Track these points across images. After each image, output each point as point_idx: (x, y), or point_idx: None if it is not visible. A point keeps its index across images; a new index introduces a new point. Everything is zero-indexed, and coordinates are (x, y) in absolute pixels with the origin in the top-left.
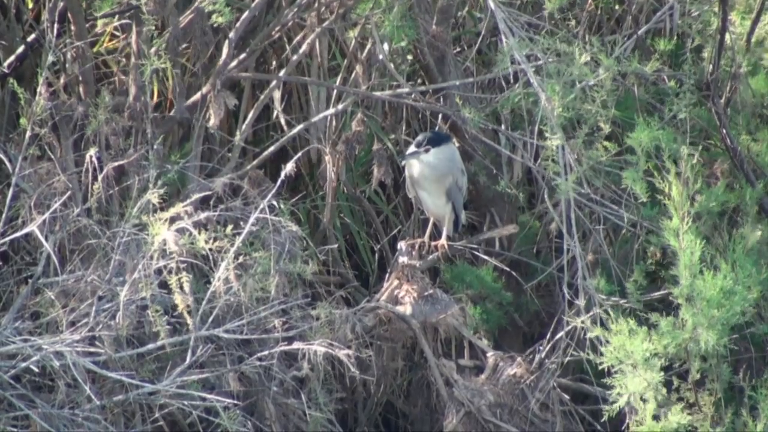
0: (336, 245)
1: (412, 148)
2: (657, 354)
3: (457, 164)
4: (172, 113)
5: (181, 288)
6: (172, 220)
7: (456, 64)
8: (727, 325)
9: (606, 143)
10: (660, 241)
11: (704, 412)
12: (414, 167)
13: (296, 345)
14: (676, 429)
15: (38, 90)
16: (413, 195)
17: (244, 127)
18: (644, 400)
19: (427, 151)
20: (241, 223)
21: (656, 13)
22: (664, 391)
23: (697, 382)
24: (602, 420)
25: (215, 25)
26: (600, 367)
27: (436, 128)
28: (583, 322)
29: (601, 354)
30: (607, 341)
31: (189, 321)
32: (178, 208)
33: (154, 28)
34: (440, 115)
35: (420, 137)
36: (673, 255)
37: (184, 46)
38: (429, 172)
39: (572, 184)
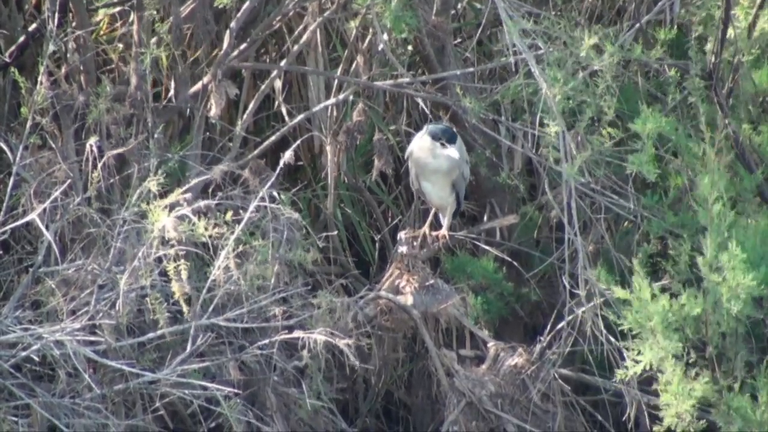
0: (335, 232)
1: (431, 140)
2: (676, 326)
3: (464, 156)
4: (173, 102)
5: (179, 276)
6: (172, 207)
7: (456, 54)
8: (751, 294)
9: (609, 129)
10: (661, 229)
11: (718, 387)
12: (439, 160)
13: (296, 334)
14: (702, 394)
15: (39, 79)
16: (416, 187)
17: (245, 116)
18: (661, 371)
19: (444, 145)
20: (241, 212)
21: (657, 4)
22: (685, 358)
23: (716, 356)
24: (602, 409)
25: (220, 6)
26: (621, 328)
27: (429, 119)
28: (584, 312)
29: (623, 317)
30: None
31: (185, 309)
32: (177, 194)
33: (155, 12)
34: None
35: (435, 130)
36: (673, 247)
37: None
38: (447, 165)
39: (575, 171)
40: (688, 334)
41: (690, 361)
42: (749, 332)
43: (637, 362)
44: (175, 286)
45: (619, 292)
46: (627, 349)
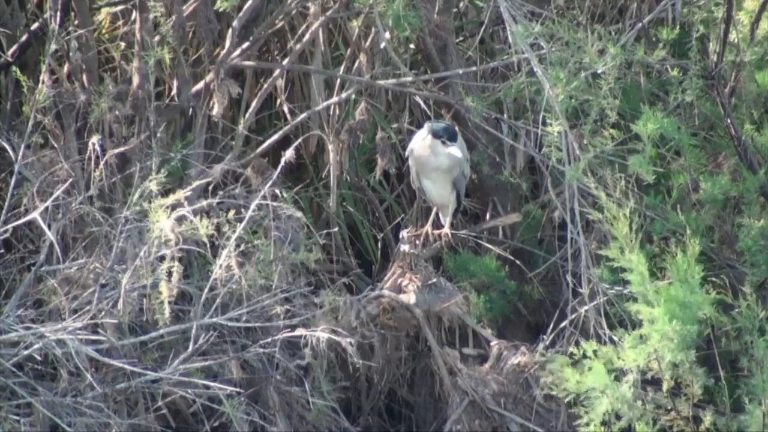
0: (336, 229)
1: (432, 138)
2: (628, 369)
3: (465, 154)
4: (175, 101)
5: (169, 276)
6: (173, 207)
7: (459, 53)
8: (685, 336)
9: (611, 131)
10: (663, 229)
11: (683, 416)
12: (440, 158)
13: (299, 332)
14: None
15: (41, 78)
16: (417, 185)
17: (247, 115)
18: (619, 417)
19: (445, 143)
20: (243, 210)
21: (659, 3)
22: (639, 404)
23: (672, 389)
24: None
25: (221, 10)
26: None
27: (431, 119)
28: (586, 311)
29: (575, 403)
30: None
31: (167, 311)
32: (178, 194)
33: (159, 14)
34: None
35: (437, 128)
36: (675, 246)
37: (187, 34)
38: (447, 163)
39: (578, 173)
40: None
41: (650, 398)
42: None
43: (590, 421)
44: (163, 287)
45: (561, 360)
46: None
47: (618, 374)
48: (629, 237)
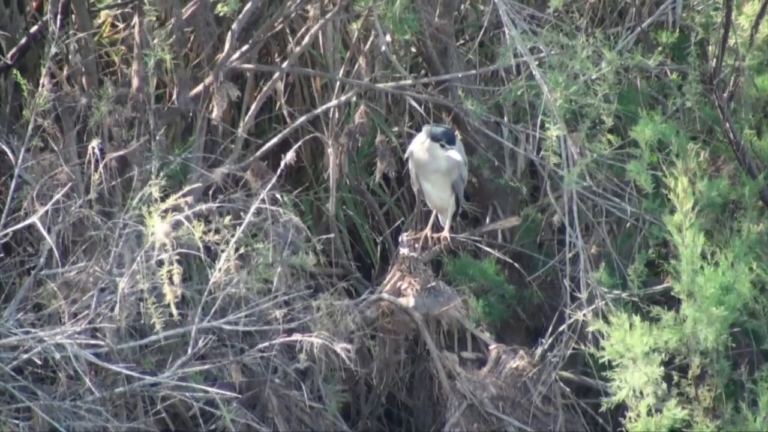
0: (336, 234)
1: (430, 142)
2: (657, 349)
3: (463, 157)
4: (175, 104)
5: (171, 280)
6: (172, 211)
7: (459, 56)
8: (725, 322)
9: (609, 136)
10: (661, 234)
11: (703, 406)
12: (439, 161)
13: (295, 337)
14: (673, 424)
15: (41, 81)
16: (417, 188)
17: (246, 118)
18: (642, 395)
19: (443, 146)
20: (243, 214)
21: (659, 6)
22: (664, 385)
23: (698, 377)
24: (603, 413)
25: (220, 14)
26: (601, 361)
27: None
28: (585, 315)
29: (602, 348)
30: (608, 335)
31: (174, 313)
32: (176, 199)
33: (155, 19)
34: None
35: (436, 132)
36: (675, 249)
37: (187, 37)
38: (446, 166)
39: (575, 177)
40: (671, 357)
41: (674, 383)
42: (736, 344)
43: (621, 389)
44: (167, 290)
45: (597, 324)
46: (612, 379)
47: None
48: (688, 213)
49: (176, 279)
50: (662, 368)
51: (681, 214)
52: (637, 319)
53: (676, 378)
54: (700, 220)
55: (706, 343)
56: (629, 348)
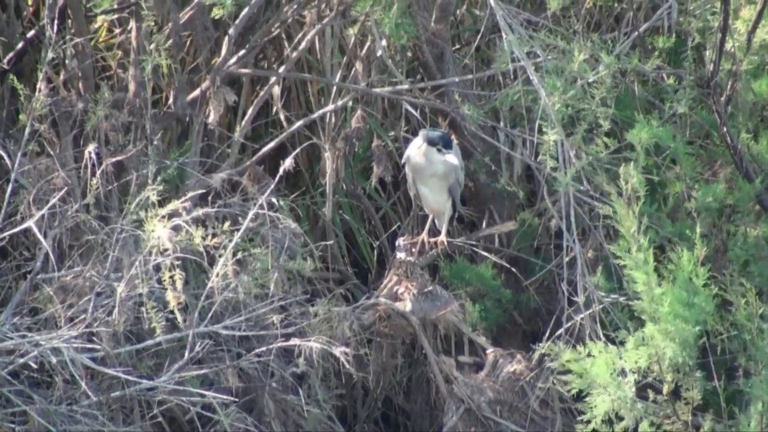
0: (333, 241)
1: (427, 146)
2: (630, 370)
3: (460, 161)
4: (172, 109)
5: (174, 285)
6: (170, 216)
7: (455, 60)
8: (690, 336)
9: (605, 140)
10: (658, 238)
11: (682, 420)
12: (436, 165)
13: (293, 341)
14: None
15: (38, 86)
16: (414, 192)
17: (243, 123)
18: (620, 417)
19: (440, 151)
20: (240, 219)
21: (655, 11)
22: (639, 406)
23: (673, 392)
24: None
25: (216, 18)
26: (570, 393)
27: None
28: (582, 319)
29: (566, 383)
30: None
31: (179, 318)
32: (175, 204)
33: (153, 24)
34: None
35: (432, 136)
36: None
37: (184, 41)
38: (443, 170)
39: (571, 181)
40: (640, 377)
41: (650, 400)
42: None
43: (592, 419)
44: (169, 296)
45: (564, 357)
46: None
47: (620, 375)
48: (635, 235)
49: (179, 284)
50: (633, 390)
51: (627, 238)
52: (599, 346)
53: (651, 396)
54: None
55: (676, 359)
56: (594, 378)
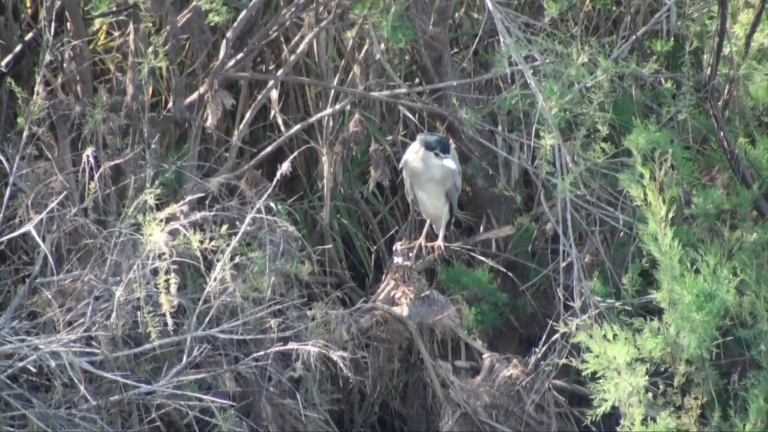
0: (330, 245)
1: (424, 150)
2: (642, 359)
3: (457, 166)
4: (170, 112)
5: (168, 289)
6: (168, 220)
7: (453, 64)
8: (708, 328)
9: (603, 145)
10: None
11: (690, 415)
12: (433, 169)
13: (291, 345)
14: None
15: (36, 89)
16: (412, 197)
17: (241, 126)
18: (631, 405)
19: (438, 155)
20: (237, 223)
21: (654, 15)
22: (650, 395)
23: (684, 385)
24: (596, 421)
25: (212, 24)
26: (584, 373)
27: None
28: (578, 324)
29: (584, 361)
30: (588, 349)
31: (170, 322)
32: (173, 208)
33: (152, 25)
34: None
35: (430, 140)
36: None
37: (182, 45)
38: (440, 174)
39: (569, 186)
40: (651, 368)
41: (660, 392)
42: (727, 353)
43: (604, 401)
44: (163, 299)
45: (579, 335)
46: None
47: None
48: (664, 220)
49: (173, 288)
50: (646, 378)
51: (654, 222)
52: (617, 329)
53: (662, 387)
54: (688, 227)
55: (690, 351)
56: (611, 359)
